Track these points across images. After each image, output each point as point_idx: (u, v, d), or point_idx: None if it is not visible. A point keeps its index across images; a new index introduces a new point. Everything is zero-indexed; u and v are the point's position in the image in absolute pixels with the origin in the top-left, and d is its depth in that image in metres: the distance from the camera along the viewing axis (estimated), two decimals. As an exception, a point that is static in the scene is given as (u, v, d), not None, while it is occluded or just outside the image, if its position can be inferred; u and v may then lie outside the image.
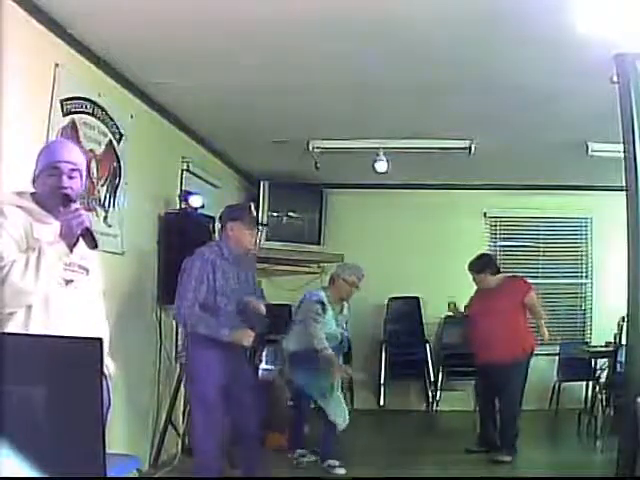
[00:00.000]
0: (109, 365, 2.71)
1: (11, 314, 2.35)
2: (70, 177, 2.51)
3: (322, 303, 5.19)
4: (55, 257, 2.36)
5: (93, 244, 2.45)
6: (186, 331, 4.34)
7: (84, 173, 2.62)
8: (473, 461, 5.57)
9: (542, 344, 7.80)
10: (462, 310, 6.03)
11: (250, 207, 4.42)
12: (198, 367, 4.19)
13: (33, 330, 2.34)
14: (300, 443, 5.45)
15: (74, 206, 2.44)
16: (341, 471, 5.15)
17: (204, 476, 4.15)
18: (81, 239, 2.44)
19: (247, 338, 4.15)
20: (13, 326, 2.33)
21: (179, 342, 5.47)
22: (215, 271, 4.15)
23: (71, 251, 2.42)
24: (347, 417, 5.24)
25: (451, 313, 6.24)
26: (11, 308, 2.34)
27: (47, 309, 2.41)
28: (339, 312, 5.39)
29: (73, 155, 2.58)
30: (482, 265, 5.83)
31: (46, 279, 2.34)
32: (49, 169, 2.51)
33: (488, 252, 6.91)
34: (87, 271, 2.60)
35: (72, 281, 2.51)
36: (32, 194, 2.54)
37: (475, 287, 5.94)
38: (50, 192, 2.50)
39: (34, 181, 2.56)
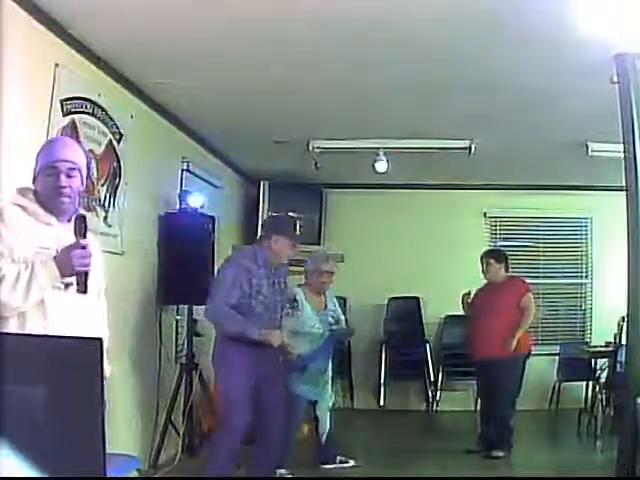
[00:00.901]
0: (105, 366, 2.67)
1: (5, 319, 2.30)
2: (69, 176, 2.47)
3: (294, 300, 4.97)
4: (46, 281, 2.32)
5: (83, 289, 2.39)
6: (217, 331, 4.31)
7: (84, 171, 2.58)
8: (473, 461, 5.56)
9: (542, 344, 7.88)
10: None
11: (296, 222, 4.44)
12: (230, 369, 4.17)
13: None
14: (284, 458, 4.88)
15: (83, 242, 2.36)
16: (352, 462, 5.33)
17: (217, 474, 4.15)
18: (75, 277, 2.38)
19: (276, 338, 4.16)
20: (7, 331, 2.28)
21: (179, 342, 5.48)
22: (250, 278, 4.15)
23: (62, 277, 2.36)
24: (326, 426, 5.22)
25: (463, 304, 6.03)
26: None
27: (44, 315, 2.37)
28: (322, 308, 5.15)
29: (72, 154, 2.54)
30: (502, 257, 5.91)
31: (35, 298, 2.31)
32: (47, 168, 2.48)
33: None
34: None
35: (71, 284, 2.45)
36: (34, 191, 2.51)
37: (472, 288, 5.95)
38: (49, 192, 2.46)
39: (34, 180, 2.53)
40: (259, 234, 4.52)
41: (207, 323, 4.51)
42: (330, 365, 5.25)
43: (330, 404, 5.28)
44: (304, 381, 4.95)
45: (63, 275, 2.35)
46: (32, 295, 2.29)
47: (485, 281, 5.94)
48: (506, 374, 5.58)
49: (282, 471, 4.88)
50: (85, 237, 2.38)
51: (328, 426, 5.24)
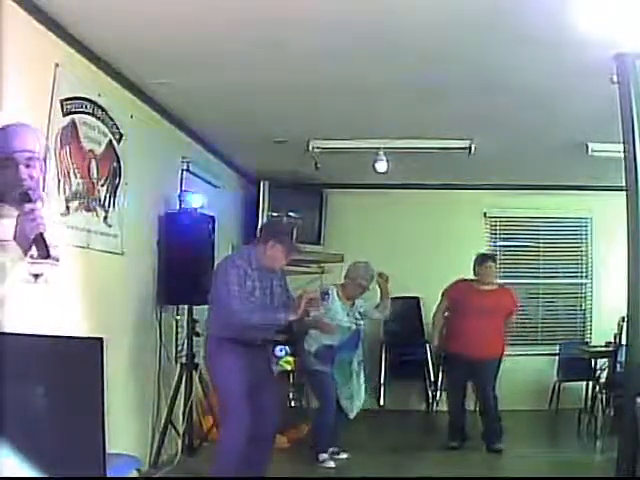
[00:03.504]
0: None
1: None
2: (28, 166, 2.37)
3: (326, 293, 5.43)
4: (7, 260, 2.24)
5: (45, 253, 2.26)
6: (209, 331, 4.33)
7: (43, 156, 2.45)
8: (472, 460, 5.57)
9: (542, 344, 7.89)
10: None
11: (294, 228, 4.49)
12: (227, 370, 4.16)
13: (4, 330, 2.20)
14: (326, 443, 5.47)
15: (28, 207, 2.26)
16: (344, 455, 5.56)
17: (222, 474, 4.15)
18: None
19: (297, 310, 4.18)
20: None
21: (179, 342, 5.47)
22: (246, 280, 4.17)
23: (25, 255, 2.27)
24: (357, 406, 5.62)
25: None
26: None
27: (18, 308, 2.27)
28: (351, 304, 5.58)
29: (30, 142, 2.42)
30: (495, 259, 6.20)
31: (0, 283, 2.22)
32: (4, 160, 2.36)
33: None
34: (57, 260, 2.41)
35: (41, 275, 2.36)
36: None
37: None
38: (8, 185, 2.35)
39: None
40: (257, 236, 4.51)
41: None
42: (358, 358, 5.68)
43: (359, 396, 5.65)
44: (333, 369, 5.42)
45: (23, 247, 2.25)
46: None
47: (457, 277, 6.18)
48: (497, 372, 5.96)
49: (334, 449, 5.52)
50: (30, 202, 2.28)
51: (349, 415, 5.59)
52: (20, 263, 2.28)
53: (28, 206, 2.27)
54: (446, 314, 6.19)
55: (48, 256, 2.28)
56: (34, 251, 2.29)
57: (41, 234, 2.25)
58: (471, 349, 5.78)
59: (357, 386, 5.65)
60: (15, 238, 2.25)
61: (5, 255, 2.24)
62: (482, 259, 6.05)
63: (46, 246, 2.26)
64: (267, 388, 4.29)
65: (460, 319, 6.00)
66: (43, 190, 2.53)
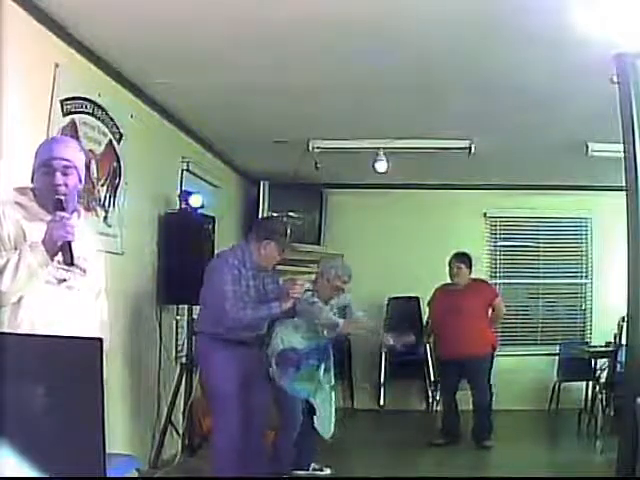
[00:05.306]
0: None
1: None
2: (64, 174, 2.50)
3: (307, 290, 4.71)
4: (34, 262, 2.35)
5: (69, 260, 2.41)
6: (201, 330, 4.35)
7: (82, 170, 2.60)
8: (472, 460, 5.58)
9: (542, 344, 7.90)
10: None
11: (287, 226, 4.44)
12: (218, 368, 4.19)
13: (21, 327, 2.35)
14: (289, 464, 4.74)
15: (60, 214, 2.41)
16: (327, 470, 5.02)
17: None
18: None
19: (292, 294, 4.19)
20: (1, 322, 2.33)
21: (179, 342, 5.48)
22: (240, 279, 4.19)
23: (51, 259, 2.39)
24: (331, 426, 4.90)
25: None
26: None
27: (36, 307, 2.40)
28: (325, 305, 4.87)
29: (68, 151, 2.56)
30: (469, 260, 6.21)
31: (24, 281, 2.34)
32: (43, 166, 2.52)
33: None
34: (84, 271, 2.57)
35: (65, 280, 2.50)
36: (33, 190, 2.55)
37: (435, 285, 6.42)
38: (45, 190, 2.50)
39: (32, 177, 2.57)
40: (250, 235, 4.49)
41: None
42: (328, 365, 4.95)
43: (332, 407, 4.96)
44: (297, 379, 4.71)
45: (48, 252, 2.38)
46: (20, 278, 2.32)
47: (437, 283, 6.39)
48: (487, 369, 6.01)
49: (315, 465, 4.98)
50: (63, 210, 2.44)
51: (331, 430, 4.91)
52: (45, 267, 2.39)
53: (60, 214, 2.41)
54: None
55: (72, 264, 2.43)
56: (78, 245, 2.46)
57: (69, 242, 2.39)
58: (456, 350, 5.89)
59: (325, 403, 4.89)
60: (43, 242, 2.37)
61: (33, 257, 2.35)
62: (449, 260, 6.20)
63: (71, 254, 2.41)
64: (258, 386, 4.30)
65: (440, 323, 6.22)
66: (78, 202, 2.68)
